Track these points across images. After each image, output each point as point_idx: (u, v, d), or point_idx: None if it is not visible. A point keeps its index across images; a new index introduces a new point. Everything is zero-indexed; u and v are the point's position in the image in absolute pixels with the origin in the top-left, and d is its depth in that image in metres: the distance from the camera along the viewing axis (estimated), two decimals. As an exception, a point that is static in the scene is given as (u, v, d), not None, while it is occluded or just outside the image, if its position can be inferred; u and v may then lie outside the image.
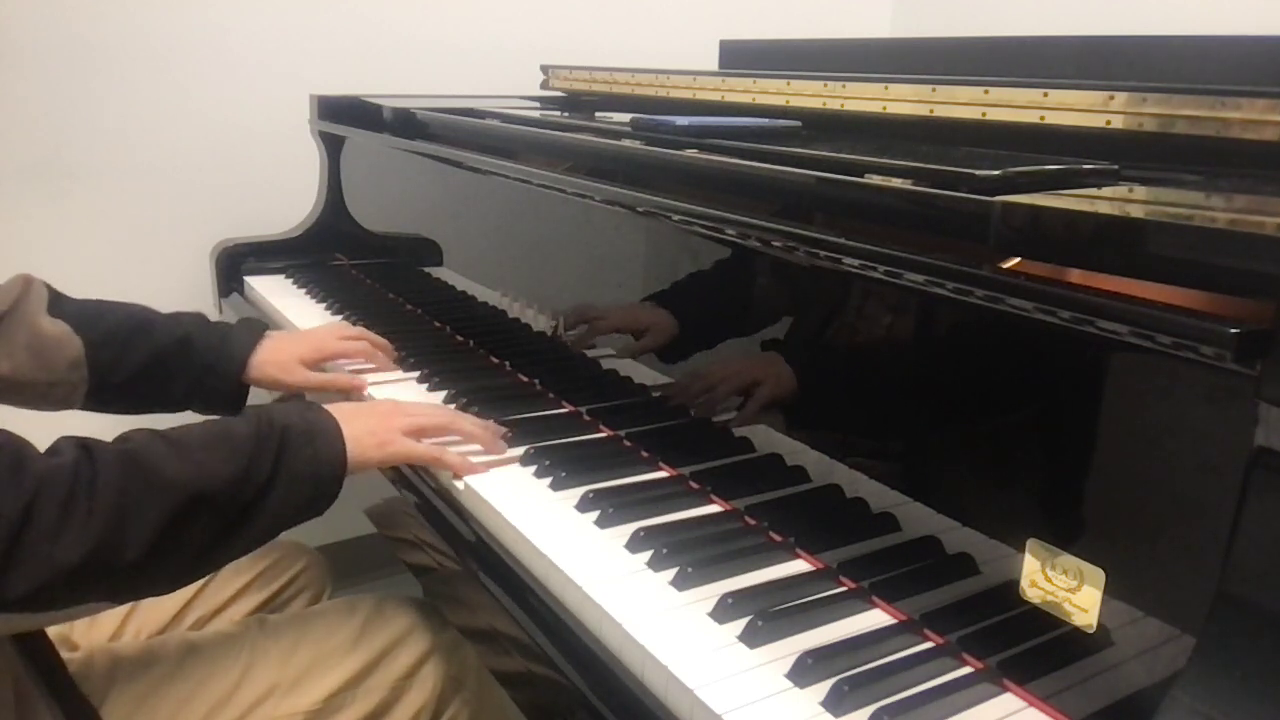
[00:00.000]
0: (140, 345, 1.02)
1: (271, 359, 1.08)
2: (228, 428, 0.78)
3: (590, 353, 1.07)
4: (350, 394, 1.11)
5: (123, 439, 0.74)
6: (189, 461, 0.72)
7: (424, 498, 0.94)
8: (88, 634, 1.00)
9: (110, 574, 0.68)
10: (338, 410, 0.85)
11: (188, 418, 0.87)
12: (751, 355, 0.87)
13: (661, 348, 0.98)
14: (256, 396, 1.08)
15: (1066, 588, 0.60)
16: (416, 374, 1.17)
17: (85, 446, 0.70)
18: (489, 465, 0.91)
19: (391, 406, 0.92)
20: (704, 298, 0.93)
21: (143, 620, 1.03)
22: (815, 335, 0.83)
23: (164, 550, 0.70)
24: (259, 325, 1.13)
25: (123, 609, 1.03)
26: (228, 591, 1.09)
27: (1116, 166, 0.77)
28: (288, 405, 0.85)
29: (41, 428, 0.75)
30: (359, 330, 1.21)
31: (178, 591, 1.04)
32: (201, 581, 1.07)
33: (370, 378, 1.14)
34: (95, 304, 1.05)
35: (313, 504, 0.80)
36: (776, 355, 0.85)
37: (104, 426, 0.89)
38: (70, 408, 1.02)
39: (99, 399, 1.03)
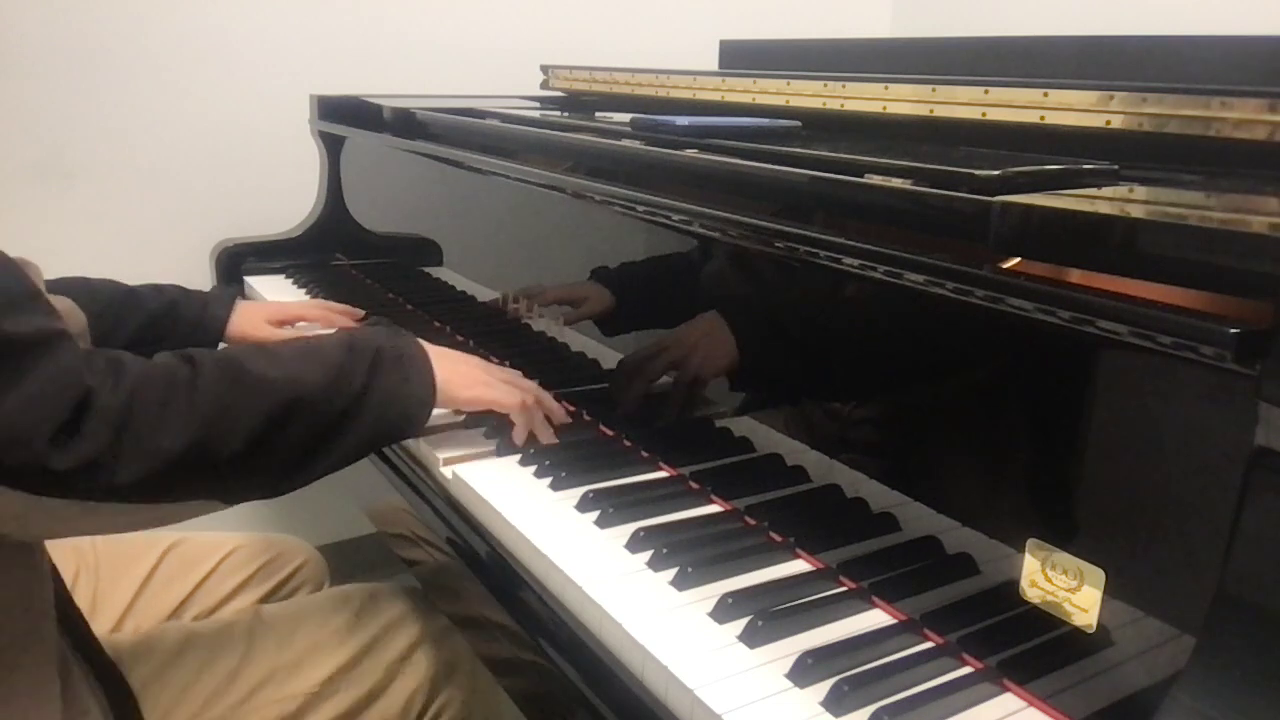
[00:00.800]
0: (133, 314, 1.12)
1: (245, 320, 1.22)
2: (319, 343, 0.83)
3: (590, 352, 1.08)
4: None
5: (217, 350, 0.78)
6: (284, 366, 0.76)
7: (424, 498, 0.94)
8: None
9: (212, 468, 0.71)
10: (428, 346, 0.89)
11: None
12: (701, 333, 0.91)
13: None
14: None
15: (1066, 588, 0.60)
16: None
17: (182, 352, 0.74)
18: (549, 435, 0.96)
19: (481, 365, 0.96)
20: (699, 297, 0.93)
21: (141, 617, 1.04)
22: (814, 335, 0.83)
23: (262, 450, 0.73)
24: (232, 291, 1.30)
25: (121, 604, 1.03)
26: (226, 587, 1.10)
27: (1116, 166, 0.77)
28: (376, 328, 0.90)
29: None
30: (318, 301, 1.38)
31: (176, 587, 1.06)
32: (200, 576, 1.08)
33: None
34: (79, 280, 1.10)
35: (403, 424, 0.83)
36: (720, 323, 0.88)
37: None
38: None
39: None
